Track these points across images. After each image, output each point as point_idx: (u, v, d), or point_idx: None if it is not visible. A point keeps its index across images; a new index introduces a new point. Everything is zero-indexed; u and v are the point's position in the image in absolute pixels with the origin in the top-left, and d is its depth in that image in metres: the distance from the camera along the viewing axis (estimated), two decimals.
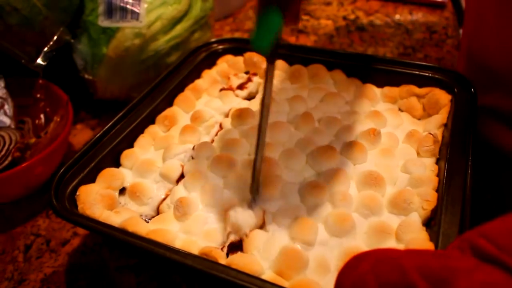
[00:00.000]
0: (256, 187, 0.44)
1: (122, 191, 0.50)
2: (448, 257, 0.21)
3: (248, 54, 0.66)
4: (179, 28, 0.66)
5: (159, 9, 0.64)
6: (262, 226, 0.43)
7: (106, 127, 0.52)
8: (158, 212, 0.47)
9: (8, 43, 0.62)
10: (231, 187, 0.47)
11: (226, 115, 0.58)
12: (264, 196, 0.44)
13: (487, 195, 0.57)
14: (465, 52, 0.64)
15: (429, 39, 0.86)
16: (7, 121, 0.61)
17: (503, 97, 0.56)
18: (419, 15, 0.94)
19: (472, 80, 0.53)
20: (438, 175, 0.45)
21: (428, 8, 0.96)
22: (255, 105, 0.58)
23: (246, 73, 0.66)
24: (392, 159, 0.48)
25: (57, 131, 0.59)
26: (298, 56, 0.63)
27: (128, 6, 0.64)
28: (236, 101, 0.60)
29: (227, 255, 0.41)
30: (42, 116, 0.64)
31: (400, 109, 0.57)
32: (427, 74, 0.56)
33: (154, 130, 0.56)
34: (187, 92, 0.61)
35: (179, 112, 0.58)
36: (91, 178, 0.49)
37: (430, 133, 0.49)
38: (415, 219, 0.41)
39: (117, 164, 0.52)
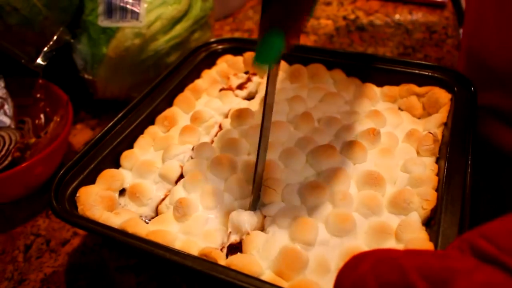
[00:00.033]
0: (256, 196, 0.44)
1: (122, 192, 0.50)
2: (448, 257, 0.21)
3: (247, 54, 0.66)
4: (179, 28, 0.66)
5: (159, 9, 0.64)
6: (262, 229, 0.43)
7: (106, 128, 0.52)
8: (157, 212, 0.47)
9: (8, 43, 0.62)
10: (231, 190, 0.47)
11: (226, 116, 0.58)
12: (265, 203, 0.44)
13: (487, 195, 0.57)
14: (465, 52, 0.64)
15: (429, 39, 0.86)
16: (7, 121, 0.61)
17: (503, 96, 0.56)
18: (419, 15, 0.94)
19: (472, 79, 0.53)
20: (438, 175, 0.45)
21: (428, 8, 0.96)
22: (254, 105, 0.58)
23: (246, 73, 0.66)
24: (392, 159, 0.48)
25: (57, 131, 0.59)
26: (297, 56, 0.63)
27: (128, 6, 0.64)
28: (236, 101, 0.60)
29: (227, 256, 0.41)
30: (42, 116, 0.64)
31: (400, 108, 0.57)
32: (427, 73, 0.56)
33: (153, 130, 0.56)
34: (187, 92, 0.61)
35: (179, 112, 0.58)
36: (91, 179, 0.49)
37: (430, 132, 0.49)
38: (415, 218, 0.41)
39: (117, 165, 0.52)
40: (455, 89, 0.53)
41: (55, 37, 0.64)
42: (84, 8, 0.66)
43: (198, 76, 0.65)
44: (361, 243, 0.41)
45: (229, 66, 0.66)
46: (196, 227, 0.43)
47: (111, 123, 0.53)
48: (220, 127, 0.56)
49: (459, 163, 0.43)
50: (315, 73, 0.61)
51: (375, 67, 0.59)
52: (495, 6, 0.53)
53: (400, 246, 0.40)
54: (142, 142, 0.54)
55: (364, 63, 0.60)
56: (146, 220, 0.46)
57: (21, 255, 0.52)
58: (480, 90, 0.52)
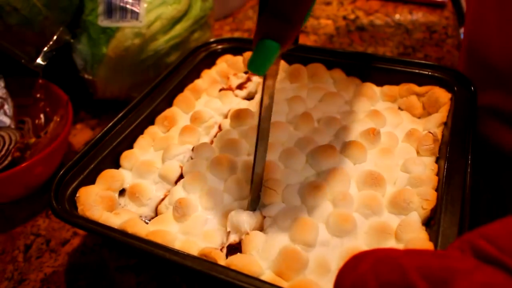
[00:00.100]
0: (254, 197, 0.44)
1: (122, 192, 0.50)
2: (449, 257, 0.21)
3: (247, 54, 0.66)
4: (178, 28, 0.66)
5: (159, 9, 0.64)
6: (261, 229, 0.43)
7: (106, 128, 0.52)
8: (157, 213, 0.47)
9: (8, 43, 0.62)
10: (231, 191, 0.46)
11: (225, 116, 0.58)
12: (265, 203, 0.44)
13: (487, 195, 0.57)
14: (466, 51, 0.64)
15: (429, 39, 0.86)
16: (7, 121, 0.61)
17: (504, 96, 0.56)
18: (419, 15, 0.94)
19: (473, 79, 0.53)
20: (437, 174, 0.45)
21: (428, 7, 0.96)
22: (254, 105, 0.58)
23: (246, 72, 0.66)
24: (391, 159, 0.48)
25: (57, 131, 0.59)
26: (297, 55, 0.63)
27: (127, 6, 0.64)
28: (236, 101, 0.60)
29: (226, 256, 0.41)
30: (42, 116, 0.64)
31: (399, 108, 0.57)
32: (426, 73, 0.56)
33: (153, 130, 0.56)
34: (187, 92, 0.61)
35: (179, 112, 0.58)
36: (91, 180, 0.49)
37: (429, 132, 0.49)
38: (415, 218, 0.41)
39: (117, 165, 0.52)
40: (455, 88, 0.53)
41: (55, 37, 0.64)
42: (84, 8, 0.66)
43: (198, 76, 0.65)
44: (361, 243, 0.41)
45: (229, 66, 0.66)
46: (195, 227, 0.43)
47: (111, 123, 0.53)
48: (220, 127, 0.56)
49: (459, 163, 0.43)
50: (315, 72, 0.61)
51: (375, 67, 0.59)
52: (495, 6, 0.53)
53: (400, 246, 0.40)
54: (142, 142, 0.54)
55: (364, 63, 0.60)
56: (146, 220, 0.46)
57: (21, 255, 0.52)
58: (480, 90, 0.52)
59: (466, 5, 0.66)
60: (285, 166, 0.48)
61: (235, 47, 0.67)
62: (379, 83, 0.59)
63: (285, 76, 0.62)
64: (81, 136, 0.69)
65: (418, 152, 0.49)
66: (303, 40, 0.89)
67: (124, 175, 0.50)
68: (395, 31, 0.89)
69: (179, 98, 0.60)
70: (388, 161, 0.48)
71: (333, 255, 0.40)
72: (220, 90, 0.62)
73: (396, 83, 0.58)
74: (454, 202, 0.40)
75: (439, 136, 0.49)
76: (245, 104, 0.58)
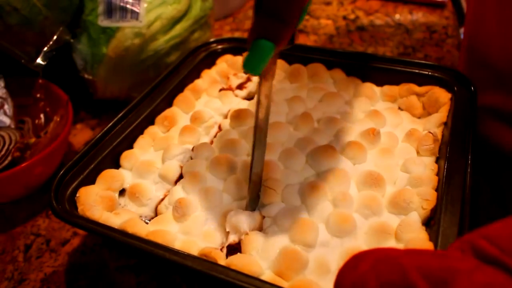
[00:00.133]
0: (253, 197, 0.44)
1: (122, 192, 0.50)
2: (449, 257, 0.21)
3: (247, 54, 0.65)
4: (178, 28, 0.66)
5: (159, 9, 0.64)
6: (260, 229, 0.43)
7: (106, 128, 0.52)
8: (156, 213, 0.47)
9: (8, 43, 0.62)
10: (230, 191, 0.46)
11: (225, 116, 0.58)
12: (264, 203, 0.44)
13: (487, 195, 0.57)
14: (466, 52, 0.64)
15: (429, 39, 0.86)
16: (7, 121, 0.61)
17: (504, 96, 0.56)
18: (419, 15, 0.94)
19: (474, 79, 0.53)
20: (437, 174, 0.45)
21: (428, 7, 0.96)
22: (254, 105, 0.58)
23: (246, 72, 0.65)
24: (391, 159, 0.48)
25: (57, 131, 0.59)
26: (297, 55, 0.63)
27: (128, 6, 0.64)
28: (236, 101, 0.60)
29: (226, 256, 0.41)
30: (42, 116, 0.64)
31: (399, 108, 0.57)
32: (426, 73, 0.56)
33: (153, 130, 0.56)
34: (187, 92, 0.61)
35: (179, 112, 0.58)
36: (91, 180, 0.49)
37: (429, 132, 0.49)
38: (415, 218, 0.41)
39: (117, 165, 0.52)
40: (455, 88, 0.53)
41: (55, 37, 0.64)
42: (84, 8, 0.66)
43: (198, 76, 0.65)
44: (361, 243, 0.41)
45: (229, 66, 0.66)
46: (195, 227, 0.43)
47: (111, 123, 0.53)
48: (220, 127, 0.56)
49: (459, 163, 0.43)
50: (315, 72, 0.61)
51: (375, 67, 0.59)
52: (496, 6, 0.53)
53: (400, 246, 0.40)
54: (142, 142, 0.54)
55: (364, 63, 0.60)
56: (146, 220, 0.46)
57: (21, 255, 0.52)
58: (481, 90, 0.52)
59: (466, 5, 0.66)
60: (285, 167, 0.48)
61: (235, 47, 0.67)
62: (379, 83, 0.59)
63: (285, 76, 0.62)
64: (81, 136, 0.69)
65: (418, 152, 0.49)
66: (303, 40, 0.89)
67: (124, 175, 0.50)
68: (395, 31, 0.89)
69: (179, 98, 0.60)
70: (388, 161, 0.48)
71: (333, 255, 0.40)
72: (220, 90, 0.62)
73: (396, 83, 0.58)
74: (454, 202, 0.40)
75: (439, 136, 0.49)
76: (245, 104, 0.58)
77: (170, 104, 0.60)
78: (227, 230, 0.43)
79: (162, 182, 0.50)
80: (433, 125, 0.51)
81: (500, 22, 0.53)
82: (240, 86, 0.62)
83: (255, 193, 0.44)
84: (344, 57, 0.61)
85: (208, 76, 0.64)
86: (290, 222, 0.42)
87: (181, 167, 0.50)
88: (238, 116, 0.55)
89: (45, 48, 0.64)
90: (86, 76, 0.67)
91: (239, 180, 0.47)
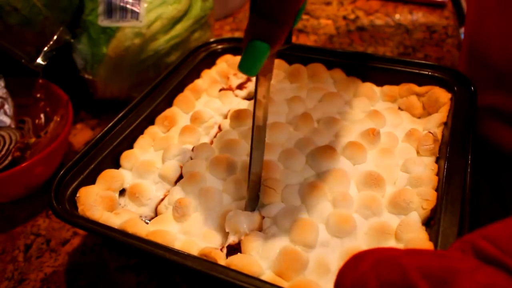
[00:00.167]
0: (252, 197, 0.44)
1: (122, 192, 0.50)
2: (450, 257, 0.21)
3: None
4: (179, 28, 0.66)
5: (159, 9, 0.64)
6: (260, 230, 0.43)
7: (106, 128, 0.52)
8: (156, 213, 0.47)
9: (8, 43, 0.62)
10: (229, 191, 0.46)
11: (225, 117, 0.57)
12: (264, 203, 0.44)
13: (487, 195, 0.57)
14: (467, 52, 0.64)
15: (429, 39, 0.86)
16: (7, 120, 0.61)
17: (505, 96, 0.56)
18: (419, 15, 0.94)
19: (474, 79, 0.53)
20: (437, 174, 0.45)
21: (428, 7, 0.96)
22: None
23: None
24: (391, 159, 0.48)
25: (57, 131, 0.59)
26: (297, 55, 0.63)
27: (128, 6, 0.64)
28: (236, 101, 0.60)
29: (226, 256, 0.41)
30: (42, 115, 0.64)
31: (399, 108, 0.57)
32: (426, 73, 0.56)
33: (153, 130, 0.56)
34: (187, 92, 0.61)
35: (179, 112, 0.58)
36: (91, 180, 0.49)
37: (429, 132, 0.49)
38: (415, 218, 0.41)
39: (117, 165, 0.52)
40: (455, 88, 0.53)
41: (55, 37, 0.64)
42: (84, 8, 0.66)
43: (198, 76, 0.65)
44: (361, 243, 0.41)
45: (229, 66, 0.66)
46: (195, 227, 0.43)
47: (111, 123, 0.53)
48: (220, 127, 0.56)
49: (459, 163, 0.43)
50: (315, 72, 0.61)
51: (375, 67, 0.59)
52: (497, 6, 0.53)
53: (400, 246, 0.40)
54: (142, 142, 0.54)
55: (364, 63, 0.60)
56: (146, 220, 0.46)
57: (21, 254, 0.52)
58: (482, 90, 0.52)
59: (466, 5, 0.66)
60: (285, 167, 0.48)
61: (235, 47, 0.67)
62: (379, 83, 0.59)
63: (285, 76, 0.62)
64: (81, 136, 0.69)
65: (418, 152, 0.49)
66: (303, 40, 0.89)
67: (124, 175, 0.50)
68: (395, 31, 0.89)
69: (179, 98, 0.60)
70: (388, 161, 0.48)
71: (333, 255, 0.40)
72: (220, 90, 0.62)
73: (396, 83, 0.58)
74: (454, 202, 0.40)
75: (439, 136, 0.49)
76: (245, 104, 0.58)
77: (170, 104, 0.60)
78: (227, 230, 0.43)
79: (162, 182, 0.50)
80: (433, 125, 0.51)
81: (500, 22, 0.53)
82: (240, 86, 0.62)
83: (254, 193, 0.44)
84: (344, 57, 0.61)
85: (208, 76, 0.64)
86: (290, 223, 0.42)
87: (181, 167, 0.50)
88: (238, 116, 0.55)
89: (45, 48, 0.64)
90: (86, 76, 0.67)
91: (239, 180, 0.47)
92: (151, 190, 0.49)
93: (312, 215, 0.43)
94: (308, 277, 0.38)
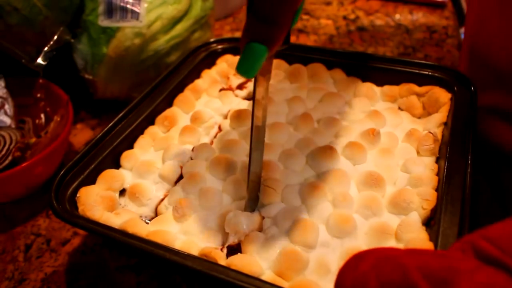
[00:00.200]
0: (252, 197, 0.44)
1: (122, 192, 0.50)
2: (450, 257, 0.21)
3: None
4: (179, 28, 0.66)
5: (159, 9, 0.64)
6: (260, 230, 0.43)
7: (106, 128, 0.52)
8: (156, 213, 0.47)
9: (8, 42, 0.62)
10: (229, 191, 0.46)
11: (225, 117, 0.57)
12: (264, 203, 0.44)
13: (487, 194, 0.57)
14: (468, 52, 0.64)
15: (429, 39, 0.86)
16: (7, 120, 0.61)
17: (506, 96, 0.56)
18: (419, 15, 0.94)
19: (476, 79, 0.53)
20: (438, 174, 0.45)
21: (428, 7, 0.96)
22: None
23: None
24: (391, 159, 0.48)
25: (57, 130, 0.59)
26: (297, 55, 0.63)
27: (128, 6, 0.64)
28: (236, 101, 0.60)
29: (226, 256, 0.41)
30: (42, 115, 0.64)
31: (400, 108, 0.57)
32: (427, 73, 0.56)
33: (154, 131, 0.56)
34: (187, 92, 0.61)
35: (179, 112, 0.58)
36: (91, 180, 0.49)
37: (430, 132, 0.49)
38: (415, 218, 0.41)
39: (117, 165, 0.52)
40: (455, 88, 0.53)
41: (55, 37, 0.64)
42: (84, 8, 0.66)
43: (198, 76, 0.65)
44: (362, 244, 0.41)
45: (229, 66, 0.66)
46: (195, 227, 0.43)
47: (111, 123, 0.53)
48: (220, 128, 0.56)
49: (459, 163, 0.43)
50: (315, 72, 0.61)
51: (375, 67, 0.59)
52: (497, 6, 0.53)
53: (400, 246, 0.40)
54: (142, 142, 0.54)
55: (364, 63, 0.60)
56: (146, 221, 0.46)
57: (21, 254, 0.52)
58: (483, 90, 0.52)
59: (466, 5, 0.66)
60: (285, 167, 0.48)
61: (235, 47, 0.67)
62: (379, 83, 0.59)
63: (285, 76, 0.63)
64: (81, 136, 0.69)
65: (418, 152, 0.49)
66: (303, 40, 0.89)
67: (125, 175, 0.50)
68: (395, 31, 0.89)
69: (179, 98, 0.60)
70: (388, 161, 0.48)
71: (333, 255, 0.40)
72: (220, 90, 0.62)
73: (396, 83, 0.58)
74: (454, 202, 0.40)
75: (439, 136, 0.49)
76: (245, 104, 0.58)
77: (170, 104, 0.60)
78: (226, 231, 0.43)
79: (162, 182, 0.50)
80: (433, 125, 0.51)
81: (501, 22, 0.53)
82: (240, 86, 0.62)
83: (254, 193, 0.44)
84: (344, 57, 0.61)
85: (208, 76, 0.64)
86: (290, 223, 0.42)
87: (181, 167, 0.50)
88: (238, 116, 0.55)
89: (46, 48, 0.64)
90: (86, 76, 0.67)
91: (239, 180, 0.47)
92: (151, 190, 0.49)
93: (312, 215, 0.43)
94: (308, 277, 0.38)
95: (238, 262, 0.38)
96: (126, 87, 0.68)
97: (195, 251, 0.40)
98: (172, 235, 0.42)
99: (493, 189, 0.57)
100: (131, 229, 0.42)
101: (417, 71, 0.57)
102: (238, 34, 0.93)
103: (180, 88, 0.61)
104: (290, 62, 0.64)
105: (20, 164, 0.52)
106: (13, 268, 0.51)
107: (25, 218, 0.57)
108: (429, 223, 0.42)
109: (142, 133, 0.56)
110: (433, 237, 0.38)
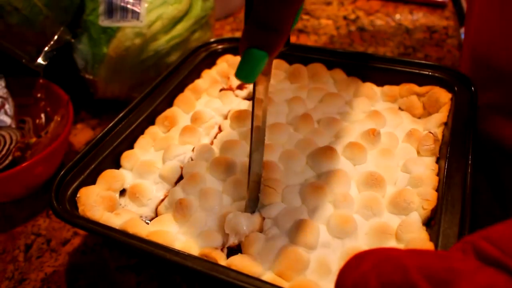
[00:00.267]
0: (252, 197, 0.44)
1: (123, 192, 0.50)
2: (451, 258, 0.21)
3: None
4: (179, 28, 0.66)
5: (160, 9, 0.64)
6: (260, 231, 0.43)
7: (106, 128, 0.52)
8: (157, 213, 0.47)
9: (9, 42, 0.62)
10: (229, 192, 0.46)
11: (226, 117, 0.57)
12: (264, 204, 0.44)
13: (487, 194, 0.57)
14: (469, 52, 0.64)
15: (430, 39, 0.86)
16: (7, 120, 0.61)
17: (507, 96, 0.56)
18: (419, 15, 0.94)
19: (476, 79, 0.53)
20: (438, 174, 0.45)
21: (428, 7, 0.96)
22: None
23: None
24: (392, 159, 0.48)
25: (58, 130, 0.59)
26: (297, 55, 0.63)
27: (128, 6, 0.64)
28: (236, 101, 0.60)
29: (227, 256, 0.41)
30: (42, 115, 0.64)
31: (400, 108, 0.57)
32: (427, 73, 0.56)
33: (154, 131, 0.56)
34: (187, 92, 0.61)
35: (179, 112, 0.58)
36: (91, 180, 0.49)
37: (430, 132, 0.49)
38: (415, 218, 0.41)
39: (117, 165, 0.52)
40: (456, 88, 0.53)
41: (55, 37, 0.64)
42: (84, 8, 0.66)
43: (198, 76, 0.65)
44: (362, 244, 0.41)
45: (230, 66, 0.66)
46: (195, 228, 0.43)
47: (111, 123, 0.53)
48: (220, 128, 0.56)
49: (459, 163, 0.43)
50: (315, 72, 0.61)
51: (375, 67, 0.59)
52: (498, 5, 0.53)
53: (400, 246, 0.40)
54: (143, 142, 0.54)
55: (365, 63, 0.60)
56: (147, 221, 0.46)
57: (21, 254, 0.52)
58: (484, 89, 0.51)
59: (466, 5, 0.66)
60: (285, 168, 0.48)
61: (235, 47, 0.67)
62: (380, 83, 0.59)
63: (285, 76, 0.63)
64: (81, 136, 0.69)
65: (418, 152, 0.49)
66: (303, 40, 0.89)
67: (125, 175, 0.50)
68: (396, 31, 0.89)
69: (180, 98, 0.60)
70: (388, 162, 0.48)
71: (334, 256, 0.40)
72: (221, 90, 0.62)
73: (397, 83, 0.58)
74: (455, 202, 0.40)
75: (440, 136, 0.49)
76: (245, 104, 0.58)
77: (170, 104, 0.60)
78: (226, 232, 0.42)
79: (163, 182, 0.50)
80: (434, 125, 0.51)
81: (502, 21, 0.53)
82: (241, 86, 0.62)
83: (254, 193, 0.44)
84: (345, 57, 0.61)
85: (209, 76, 0.64)
86: (291, 224, 0.41)
87: (182, 168, 0.50)
88: (238, 117, 0.55)
89: (46, 48, 0.64)
90: (86, 76, 0.67)
91: (239, 181, 0.47)
92: (151, 190, 0.49)
93: (312, 216, 0.43)
94: (308, 277, 0.38)
95: (238, 262, 0.38)
96: (127, 87, 0.68)
97: (195, 252, 0.40)
98: (172, 236, 0.42)
99: (494, 189, 0.57)
100: (131, 229, 0.42)
101: (417, 71, 0.57)
102: (238, 34, 0.93)
103: (180, 88, 0.61)
104: (290, 62, 0.64)
105: (20, 164, 0.52)
106: (13, 268, 0.51)
107: (25, 218, 0.57)
108: (430, 223, 0.42)
109: (142, 133, 0.56)
110: (434, 237, 0.38)
